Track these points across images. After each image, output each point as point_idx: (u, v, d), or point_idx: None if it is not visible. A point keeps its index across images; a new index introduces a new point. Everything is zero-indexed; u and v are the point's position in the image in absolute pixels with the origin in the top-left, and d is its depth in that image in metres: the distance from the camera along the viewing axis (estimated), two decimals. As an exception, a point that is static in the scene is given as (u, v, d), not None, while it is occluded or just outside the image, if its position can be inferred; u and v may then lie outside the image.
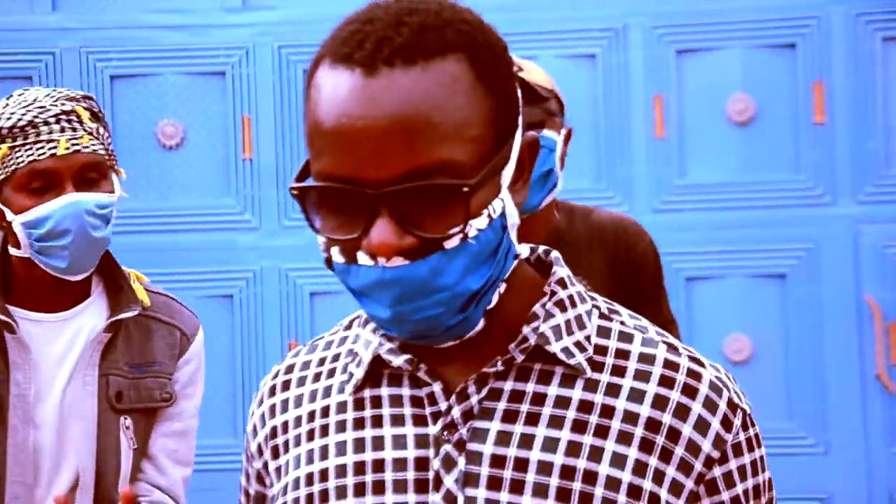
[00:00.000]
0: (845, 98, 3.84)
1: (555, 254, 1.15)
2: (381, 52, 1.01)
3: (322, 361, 1.18)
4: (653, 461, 1.07)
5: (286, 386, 1.19)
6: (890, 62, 3.84)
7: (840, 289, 3.83)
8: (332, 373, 1.17)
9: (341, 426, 1.13)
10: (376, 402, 1.12)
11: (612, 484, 1.05)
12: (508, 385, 1.09)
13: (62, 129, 1.93)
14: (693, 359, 1.11)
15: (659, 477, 1.07)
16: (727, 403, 1.09)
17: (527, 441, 1.07)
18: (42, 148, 1.92)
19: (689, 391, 1.08)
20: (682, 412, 1.08)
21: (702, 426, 1.08)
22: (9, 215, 1.95)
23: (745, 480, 1.10)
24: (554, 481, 1.05)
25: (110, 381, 2.00)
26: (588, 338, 1.10)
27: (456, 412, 1.08)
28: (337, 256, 1.05)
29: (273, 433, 1.18)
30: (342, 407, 1.13)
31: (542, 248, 1.16)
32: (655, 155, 3.88)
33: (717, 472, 1.08)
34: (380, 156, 1.00)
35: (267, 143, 3.95)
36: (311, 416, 1.15)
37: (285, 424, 1.17)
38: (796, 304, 3.84)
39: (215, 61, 3.98)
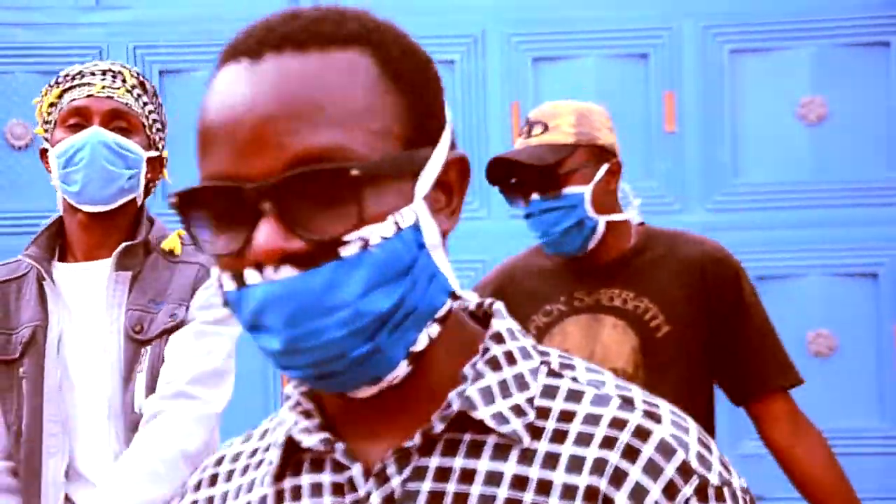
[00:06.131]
0: (695, 108, 3.95)
1: (497, 305, 0.97)
2: (269, 39, 0.88)
3: (254, 452, 1.02)
4: None
5: (213, 481, 1.03)
6: (737, 73, 3.96)
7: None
8: (259, 465, 1.01)
9: None
10: (296, 493, 0.95)
11: None
12: (434, 461, 0.90)
13: (103, 79, 2.18)
14: (649, 414, 0.90)
15: None
16: (678, 468, 0.87)
17: None
18: (82, 90, 2.16)
19: (631, 452, 0.87)
20: (618, 477, 0.87)
21: (638, 494, 0.86)
22: (51, 152, 2.16)
23: None
24: None
25: (131, 316, 2.12)
26: (531, 400, 0.91)
27: (375, 499, 0.90)
28: (228, 285, 0.88)
29: None
30: (262, 502, 0.96)
31: (488, 301, 0.98)
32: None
33: None
34: (261, 143, 0.84)
35: (121, 144, 3.88)
36: None
37: None
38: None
39: (68, 61, 3.87)
